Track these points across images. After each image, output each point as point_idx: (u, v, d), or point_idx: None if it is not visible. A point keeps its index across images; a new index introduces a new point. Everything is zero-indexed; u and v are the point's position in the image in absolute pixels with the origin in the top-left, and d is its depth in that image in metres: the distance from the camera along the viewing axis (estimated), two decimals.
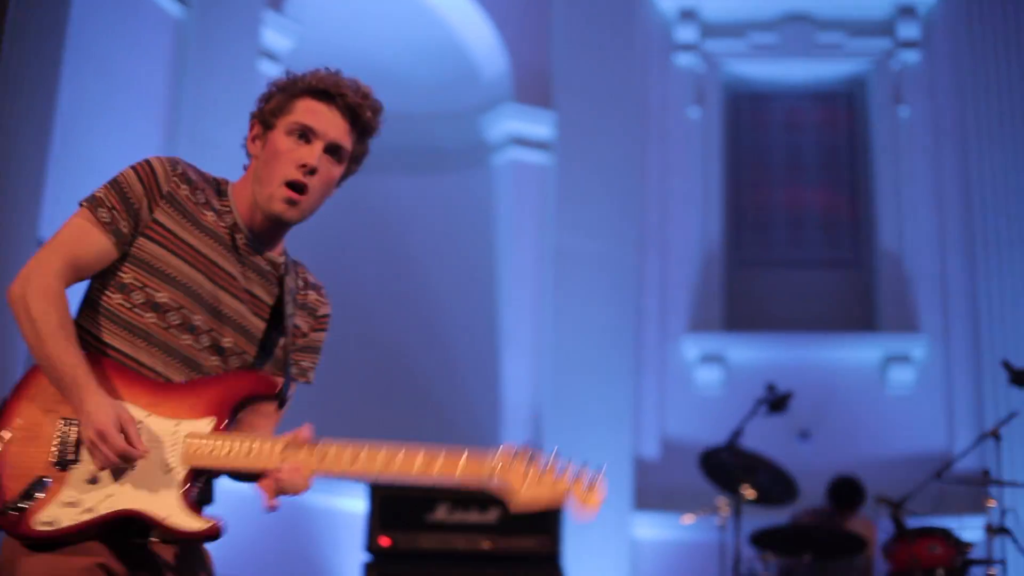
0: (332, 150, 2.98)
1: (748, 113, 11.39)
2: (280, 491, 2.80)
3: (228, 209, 2.99)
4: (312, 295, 3.14)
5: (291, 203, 2.95)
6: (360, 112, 2.99)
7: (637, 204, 10.51)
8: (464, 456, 2.79)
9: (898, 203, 10.63)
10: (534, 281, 10.28)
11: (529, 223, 10.38)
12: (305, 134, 2.94)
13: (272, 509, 2.79)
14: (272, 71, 8.89)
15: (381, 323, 10.22)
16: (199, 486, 2.89)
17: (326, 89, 2.95)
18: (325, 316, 3.18)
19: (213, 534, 2.79)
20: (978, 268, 10.20)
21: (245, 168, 3.05)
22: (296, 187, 2.94)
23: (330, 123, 2.95)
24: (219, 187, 3.03)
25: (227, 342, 2.96)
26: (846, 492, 8.79)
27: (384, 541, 7.25)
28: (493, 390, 10.09)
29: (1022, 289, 9.96)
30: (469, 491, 6.92)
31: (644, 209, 10.58)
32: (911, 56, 10.86)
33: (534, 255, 10.32)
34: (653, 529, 9.72)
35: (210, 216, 2.96)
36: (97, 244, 2.88)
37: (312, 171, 2.95)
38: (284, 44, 9.60)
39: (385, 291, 10.33)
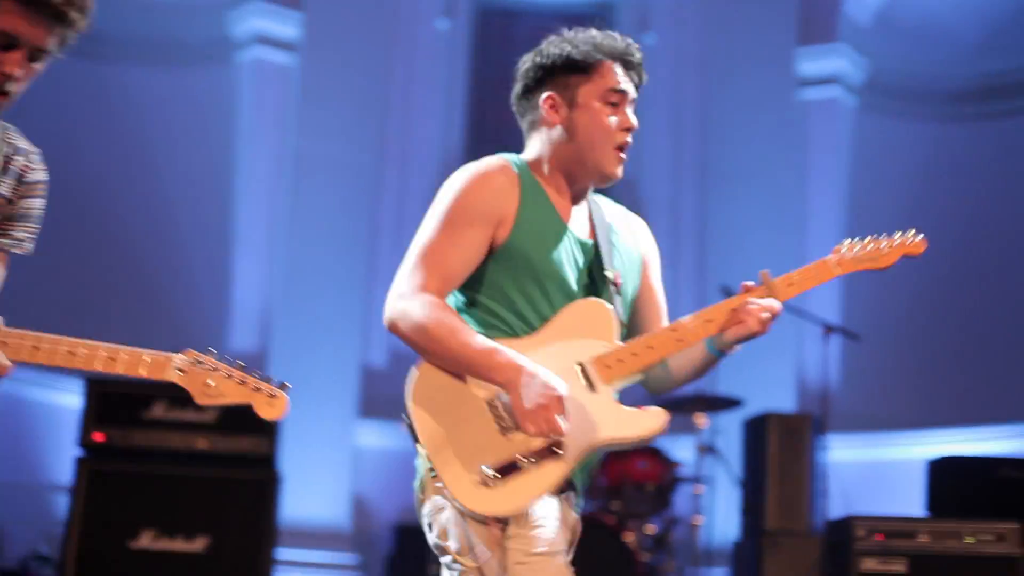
0: (35, 54, 2.84)
1: (497, 29, 11.41)
2: None
3: None
4: (20, 160, 2.98)
5: None
6: (66, 16, 2.82)
7: (380, 112, 10.46)
8: (144, 357, 2.75)
9: (637, 129, 10.80)
10: (271, 183, 10.15)
11: (270, 124, 10.23)
12: (9, 41, 2.79)
13: None
14: None
15: (111, 216, 9.97)
16: None
17: None
18: (37, 183, 3.02)
19: None
20: (709, 197, 10.49)
21: None
22: None
23: (33, 31, 2.78)
24: None
25: None
26: None
27: (98, 437, 7.12)
28: (223, 291, 9.97)
29: (749, 220, 10.25)
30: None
31: (386, 117, 10.53)
32: None
33: (273, 157, 10.18)
34: (377, 437, 9.74)
35: None
36: None
37: (16, 78, 2.82)
38: None
39: (117, 185, 10.06)
